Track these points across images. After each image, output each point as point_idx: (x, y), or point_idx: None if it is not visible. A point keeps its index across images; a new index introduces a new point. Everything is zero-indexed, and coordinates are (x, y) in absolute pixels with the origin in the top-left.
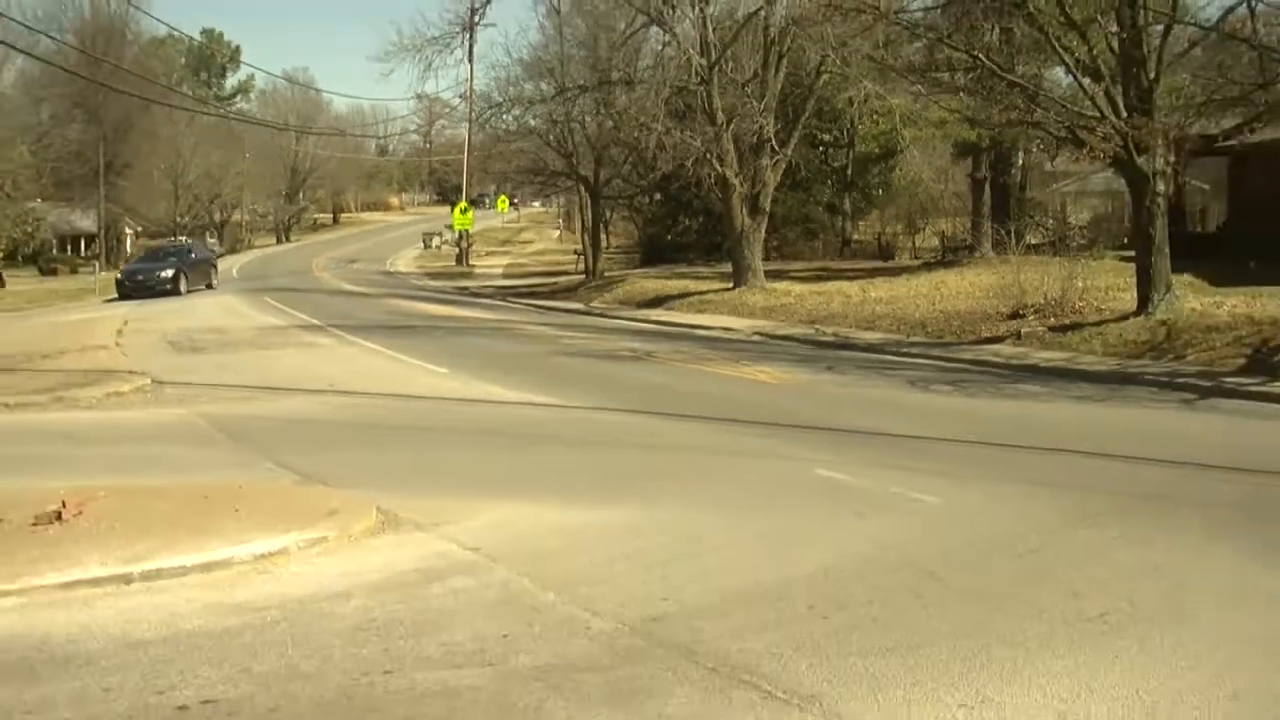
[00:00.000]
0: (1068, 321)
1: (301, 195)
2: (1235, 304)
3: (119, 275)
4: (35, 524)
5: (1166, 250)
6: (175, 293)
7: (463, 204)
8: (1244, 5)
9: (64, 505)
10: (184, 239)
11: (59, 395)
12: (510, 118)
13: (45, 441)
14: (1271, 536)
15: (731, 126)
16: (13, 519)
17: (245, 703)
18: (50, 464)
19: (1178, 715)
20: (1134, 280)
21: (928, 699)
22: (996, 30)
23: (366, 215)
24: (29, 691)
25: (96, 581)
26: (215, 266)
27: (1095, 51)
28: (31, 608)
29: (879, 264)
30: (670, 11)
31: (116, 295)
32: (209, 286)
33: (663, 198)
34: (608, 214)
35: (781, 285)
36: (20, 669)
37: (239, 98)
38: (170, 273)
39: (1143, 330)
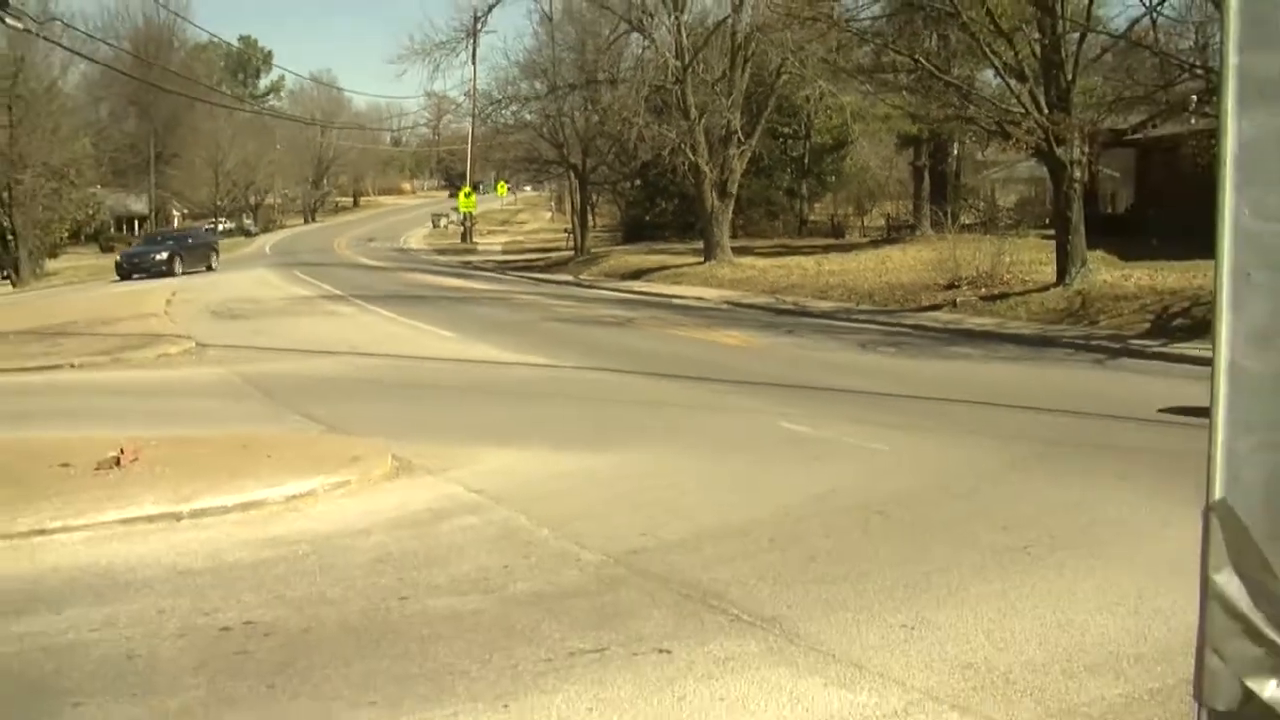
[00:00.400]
0: (996, 291)
1: (325, 181)
2: (1140, 276)
3: (118, 258)
4: (98, 468)
5: (1082, 229)
6: (170, 274)
7: (467, 189)
8: (1147, 17)
9: (122, 452)
10: (221, 220)
11: (117, 357)
12: (508, 113)
13: (105, 396)
14: (1169, 477)
15: (703, 121)
16: (78, 464)
17: (280, 624)
18: (110, 416)
19: (1088, 629)
20: (1054, 255)
21: (875, 620)
22: (935, 37)
23: (382, 198)
24: (96, 611)
25: (151, 518)
26: (216, 250)
27: (1020, 56)
28: (96, 540)
29: (832, 241)
30: (649, 19)
31: (117, 276)
32: (209, 268)
33: (642, 183)
34: (594, 197)
35: (746, 260)
36: (88, 593)
37: (271, 96)
38: (165, 255)
39: (1061, 299)
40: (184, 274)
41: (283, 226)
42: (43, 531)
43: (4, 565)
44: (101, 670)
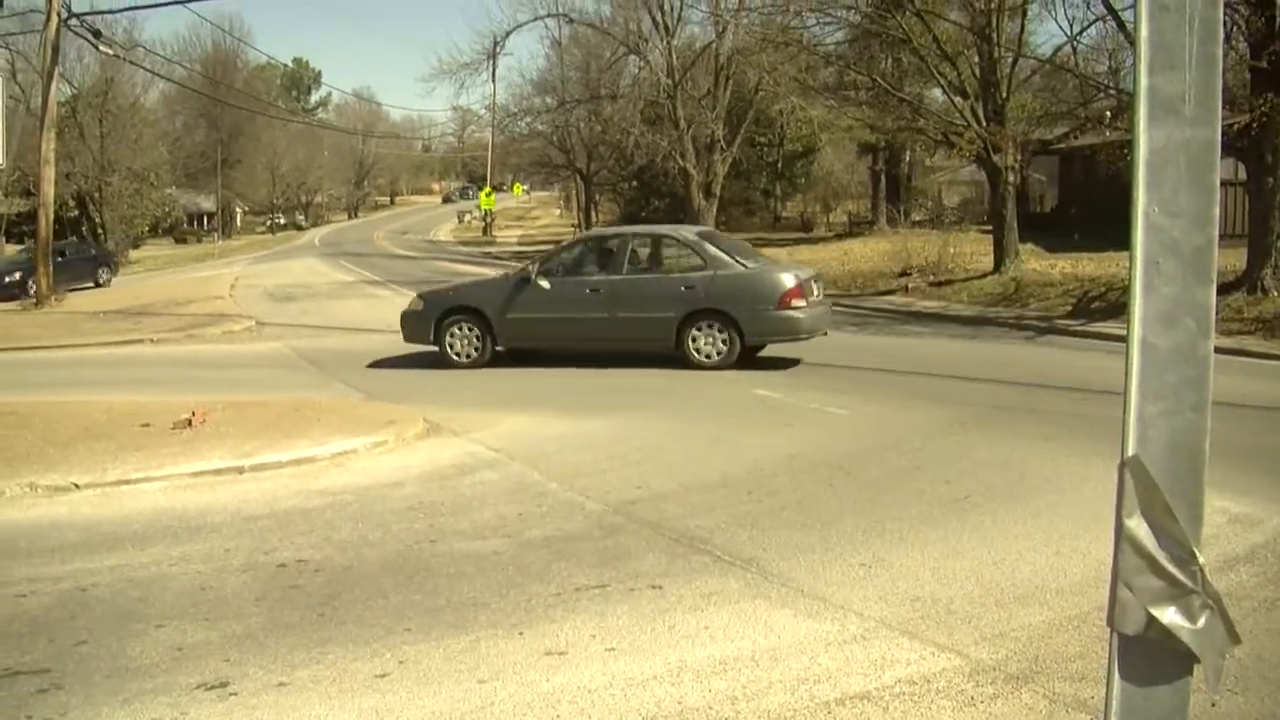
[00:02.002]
0: (943, 278)
1: (366, 182)
2: (1064, 266)
3: None
4: (173, 428)
5: (1015, 225)
6: (24, 294)
7: (487, 189)
8: (1069, 44)
9: (193, 414)
10: (278, 216)
11: (189, 333)
12: (523, 124)
13: (180, 366)
14: (1089, 437)
15: (691, 131)
16: (157, 424)
17: (328, 561)
18: (183, 383)
19: (1019, 567)
20: (991, 248)
21: (838, 560)
22: (890, 60)
23: (415, 198)
24: (173, 549)
25: (218, 471)
26: (108, 266)
27: (962, 76)
28: (172, 490)
29: (802, 235)
30: (644, 43)
31: None
32: (97, 284)
33: (638, 184)
34: (597, 196)
35: None
36: (166, 534)
37: (320, 109)
38: (17, 276)
39: (997, 285)
40: (48, 294)
41: (329, 222)
42: (128, 481)
43: (97, 509)
44: (179, 599)
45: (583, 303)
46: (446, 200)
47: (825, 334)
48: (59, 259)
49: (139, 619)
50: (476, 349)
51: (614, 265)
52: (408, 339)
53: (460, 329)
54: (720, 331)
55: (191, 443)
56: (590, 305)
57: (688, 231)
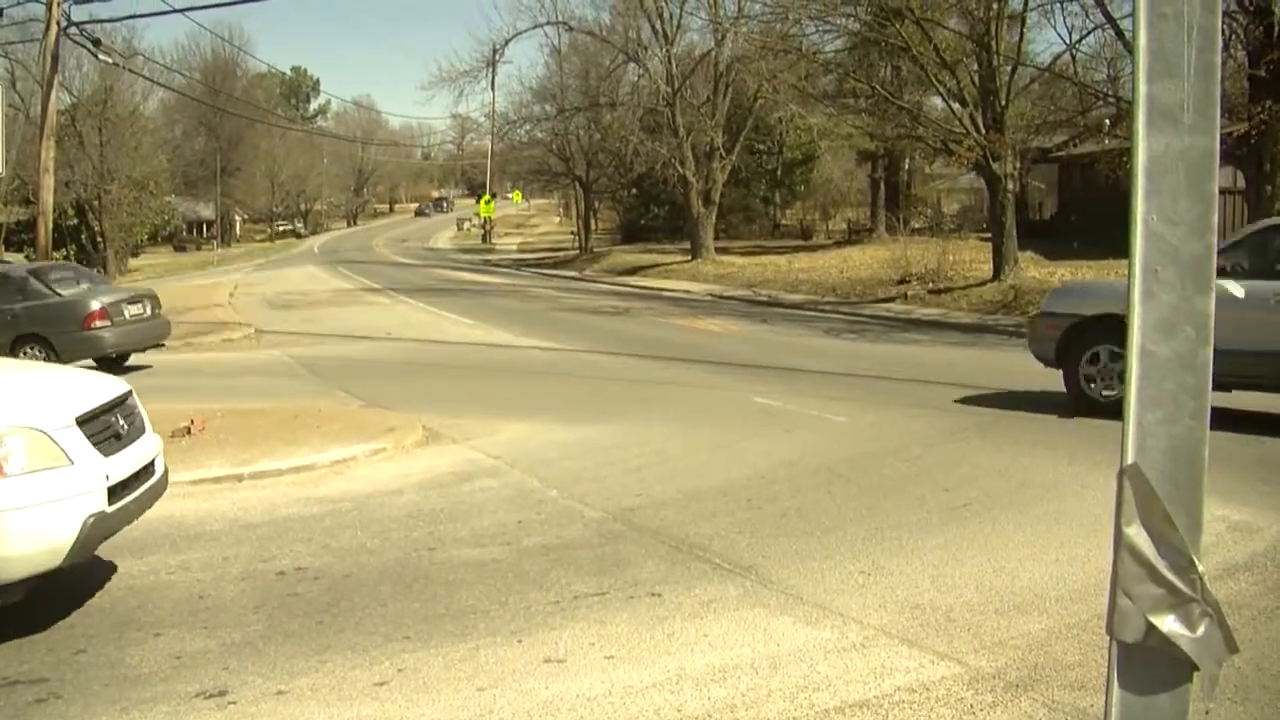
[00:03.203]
0: (942, 286)
1: (365, 190)
2: (1063, 273)
3: None
4: (172, 436)
5: (1014, 233)
6: None
7: (487, 197)
8: (1068, 53)
9: (192, 422)
10: (279, 223)
11: (188, 340)
12: (523, 132)
13: (179, 374)
14: (1089, 445)
15: (690, 138)
16: (156, 432)
17: (327, 569)
18: (182, 391)
19: (1018, 575)
20: (990, 255)
21: (837, 567)
22: (889, 67)
23: (414, 205)
24: (172, 558)
25: (217, 480)
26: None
27: (962, 84)
28: (171, 498)
29: (801, 242)
30: (644, 51)
31: None
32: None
33: (638, 192)
34: (596, 204)
35: (727, 259)
36: (165, 542)
37: (319, 117)
38: None
39: (996, 292)
40: None
41: (329, 229)
42: None
43: None
44: (177, 607)
45: None
46: (419, 213)
47: (162, 346)
48: None
49: (137, 627)
50: None
51: None
52: None
53: None
54: (40, 352)
55: (190, 450)
56: None
57: (19, 269)
